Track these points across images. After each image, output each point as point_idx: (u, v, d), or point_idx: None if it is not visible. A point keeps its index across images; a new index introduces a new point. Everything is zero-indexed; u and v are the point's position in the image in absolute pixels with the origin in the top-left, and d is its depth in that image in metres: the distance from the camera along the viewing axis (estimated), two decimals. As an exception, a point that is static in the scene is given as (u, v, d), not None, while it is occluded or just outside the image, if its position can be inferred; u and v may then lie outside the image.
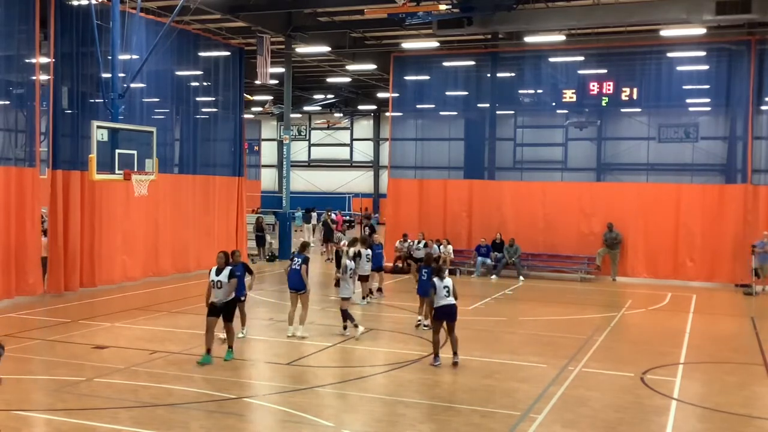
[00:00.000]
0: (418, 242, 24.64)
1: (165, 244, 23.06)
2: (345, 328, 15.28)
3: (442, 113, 29.41)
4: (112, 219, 21.12)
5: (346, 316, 15.19)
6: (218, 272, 12.71)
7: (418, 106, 29.36)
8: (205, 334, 12.63)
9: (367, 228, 29.23)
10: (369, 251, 18.92)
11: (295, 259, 15.05)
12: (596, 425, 9.88)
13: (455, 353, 12.73)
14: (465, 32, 24.44)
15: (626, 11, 22.82)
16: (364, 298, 19.19)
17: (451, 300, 12.64)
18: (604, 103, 25.84)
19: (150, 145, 18.24)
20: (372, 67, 32.46)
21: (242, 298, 14.32)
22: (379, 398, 11.01)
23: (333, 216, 32.39)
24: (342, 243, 22.60)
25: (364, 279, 18.93)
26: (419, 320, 16.21)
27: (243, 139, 28.30)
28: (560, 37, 26.03)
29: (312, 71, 38.85)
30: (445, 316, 12.66)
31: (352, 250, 19.40)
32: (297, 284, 14.93)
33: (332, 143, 56.68)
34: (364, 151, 56.00)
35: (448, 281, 12.72)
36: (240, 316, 14.42)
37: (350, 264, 15.76)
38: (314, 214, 38.76)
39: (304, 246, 15.81)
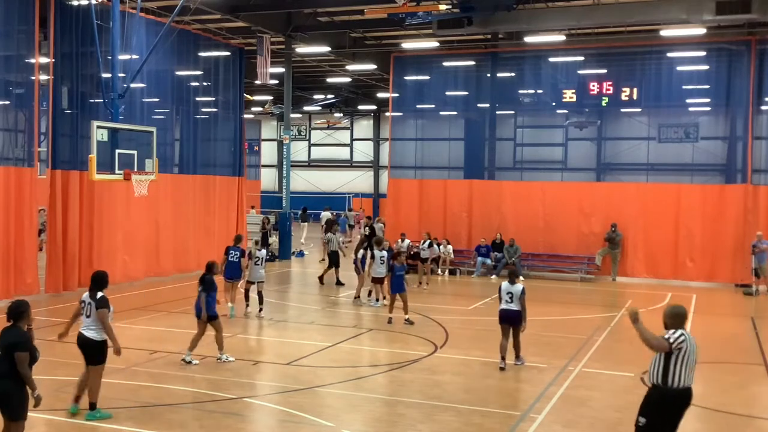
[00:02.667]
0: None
1: (165, 244, 23.06)
2: (247, 306, 17.08)
3: (442, 113, 29.40)
4: (112, 219, 21.11)
5: (247, 297, 17.02)
6: (92, 296, 9.77)
7: (418, 106, 29.36)
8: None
9: (367, 228, 29.16)
10: (384, 253, 18.40)
11: (231, 252, 16.86)
12: (596, 425, 9.88)
13: (517, 356, 12.75)
14: (465, 32, 24.43)
15: (626, 11, 22.81)
16: (377, 300, 18.78)
17: (512, 306, 12.51)
18: (604, 103, 25.84)
19: (150, 145, 18.25)
20: (372, 67, 32.45)
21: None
22: (379, 398, 11.01)
23: (352, 214, 32.88)
24: (330, 242, 22.73)
25: (379, 281, 18.44)
26: (407, 318, 16.34)
27: (243, 139, 28.31)
28: (560, 37, 26.02)
29: (312, 71, 38.84)
30: (503, 320, 12.62)
31: (360, 252, 19.35)
32: (236, 274, 16.77)
33: (332, 143, 56.63)
34: (364, 151, 55.97)
35: (517, 287, 12.56)
36: None
37: (261, 253, 17.00)
38: (327, 214, 39.09)
39: (239, 239, 17.52)
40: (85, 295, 9.75)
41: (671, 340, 7.20)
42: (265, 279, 17.68)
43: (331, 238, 22.90)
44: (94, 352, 9.54)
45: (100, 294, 9.63)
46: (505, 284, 12.80)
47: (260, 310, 16.86)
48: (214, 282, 12.79)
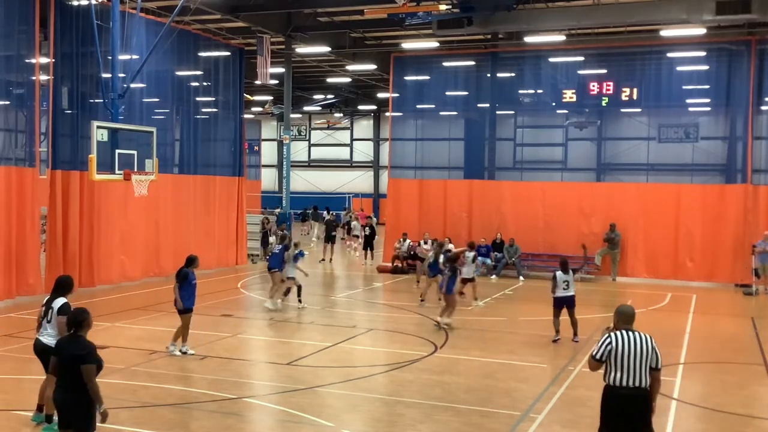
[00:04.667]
0: (423, 242, 24.65)
1: (165, 245, 23.05)
2: (300, 301, 18.32)
3: (442, 113, 29.39)
4: (112, 219, 21.12)
5: (299, 291, 18.36)
6: (48, 303, 9.20)
7: (418, 106, 29.34)
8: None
9: (367, 228, 29.19)
10: (473, 253, 19.19)
11: (277, 246, 18.91)
12: (596, 425, 9.84)
13: (575, 333, 14.94)
14: (465, 32, 24.44)
15: (626, 11, 22.81)
16: (476, 299, 19.39)
17: (569, 292, 14.79)
18: (604, 103, 25.84)
19: (150, 145, 18.25)
20: (372, 67, 32.48)
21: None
22: (379, 398, 11.01)
23: (355, 215, 33.41)
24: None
25: (469, 281, 19.06)
26: (437, 321, 16.15)
27: (243, 139, 28.30)
28: (560, 37, 26.03)
29: (312, 71, 38.87)
30: (561, 304, 14.84)
31: (432, 256, 19.34)
32: (275, 265, 18.32)
33: (332, 143, 56.67)
34: (364, 151, 56.00)
35: (571, 275, 14.87)
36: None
37: (296, 253, 18.21)
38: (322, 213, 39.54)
39: (284, 238, 19.31)
40: (44, 300, 9.37)
41: (595, 354, 7.39)
42: (288, 276, 18.23)
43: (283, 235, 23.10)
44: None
45: (62, 300, 9.03)
46: (559, 273, 14.84)
47: (299, 301, 18.41)
48: (189, 275, 13.09)
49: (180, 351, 13.13)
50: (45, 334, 9.03)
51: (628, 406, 7.24)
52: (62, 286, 9.27)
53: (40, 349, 9.02)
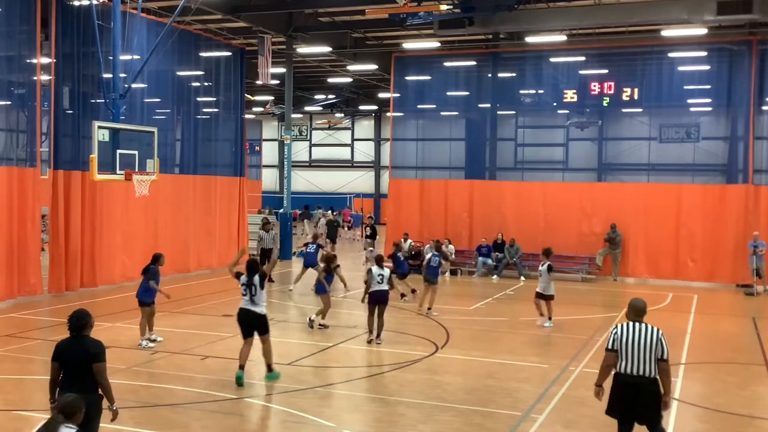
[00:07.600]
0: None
1: (165, 245, 22.97)
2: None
3: (443, 113, 29.40)
4: (113, 219, 21.13)
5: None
6: (249, 282, 11.56)
7: (419, 107, 29.35)
8: None
9: (368, 228, 29.19)
10: (546, 264, 16.93)
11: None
12: (597, 425, 9.88)
13: (378, 335, 14.48)
14: (466, 32, 24.45)
15: (627, 11, 22.82)
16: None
17: (383, 287, 14.36)
18: (605, 104, 25.82)
19: (151, 146, 18.26)
20: (373, 67, 32.47)
21: None
22: (380, 398, 11.01)
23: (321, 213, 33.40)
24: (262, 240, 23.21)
25: (547, 297, 16.82)
26: (312, 319, 15.90)
27: (244, 139, 28.30)
28: (561, 37, 26.03)
29: (313, 71, 38.86)
30: (376, 298, 14.48)
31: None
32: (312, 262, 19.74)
33: (333, 143, 56.66)
34: (365, 151, 55.98)
35: (384, 271, 14.67)
36: None
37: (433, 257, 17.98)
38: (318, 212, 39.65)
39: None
40: (245, 279, 11.40)
41: (607, 345, 7.73)
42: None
43: (264, 236, 22.67)
44: (264, 324, 11.43)
45: (257, 276, 11.30)
46: (375, 268, 14.63)
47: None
48: (157, 272, 14.08)
49: (149, 340, 13.97)
50: (255, 305, 11.34)
51: (630, 391, 7.52)
52: (254, 269, 11.44)
53: (253, 317, 11.36)
